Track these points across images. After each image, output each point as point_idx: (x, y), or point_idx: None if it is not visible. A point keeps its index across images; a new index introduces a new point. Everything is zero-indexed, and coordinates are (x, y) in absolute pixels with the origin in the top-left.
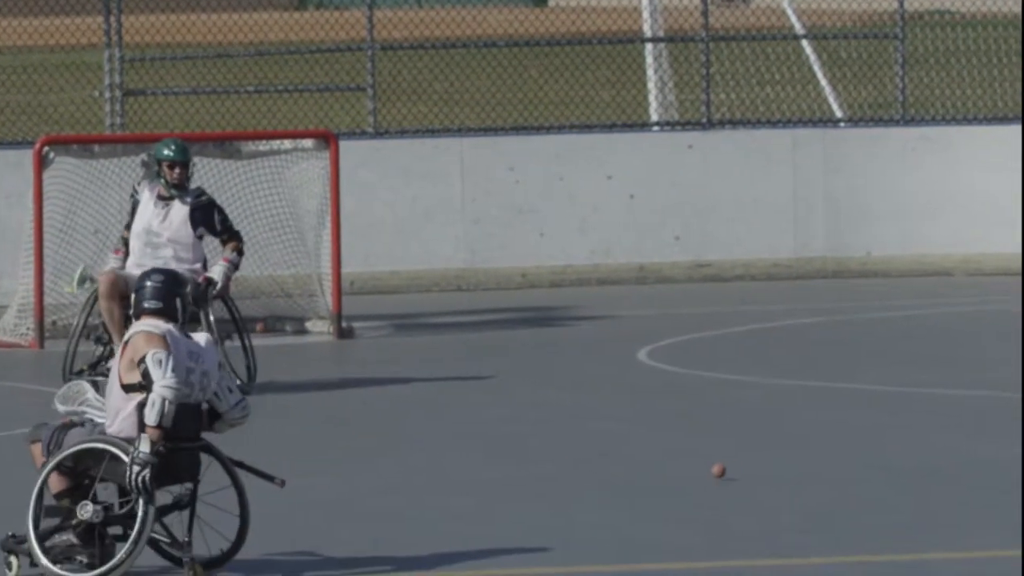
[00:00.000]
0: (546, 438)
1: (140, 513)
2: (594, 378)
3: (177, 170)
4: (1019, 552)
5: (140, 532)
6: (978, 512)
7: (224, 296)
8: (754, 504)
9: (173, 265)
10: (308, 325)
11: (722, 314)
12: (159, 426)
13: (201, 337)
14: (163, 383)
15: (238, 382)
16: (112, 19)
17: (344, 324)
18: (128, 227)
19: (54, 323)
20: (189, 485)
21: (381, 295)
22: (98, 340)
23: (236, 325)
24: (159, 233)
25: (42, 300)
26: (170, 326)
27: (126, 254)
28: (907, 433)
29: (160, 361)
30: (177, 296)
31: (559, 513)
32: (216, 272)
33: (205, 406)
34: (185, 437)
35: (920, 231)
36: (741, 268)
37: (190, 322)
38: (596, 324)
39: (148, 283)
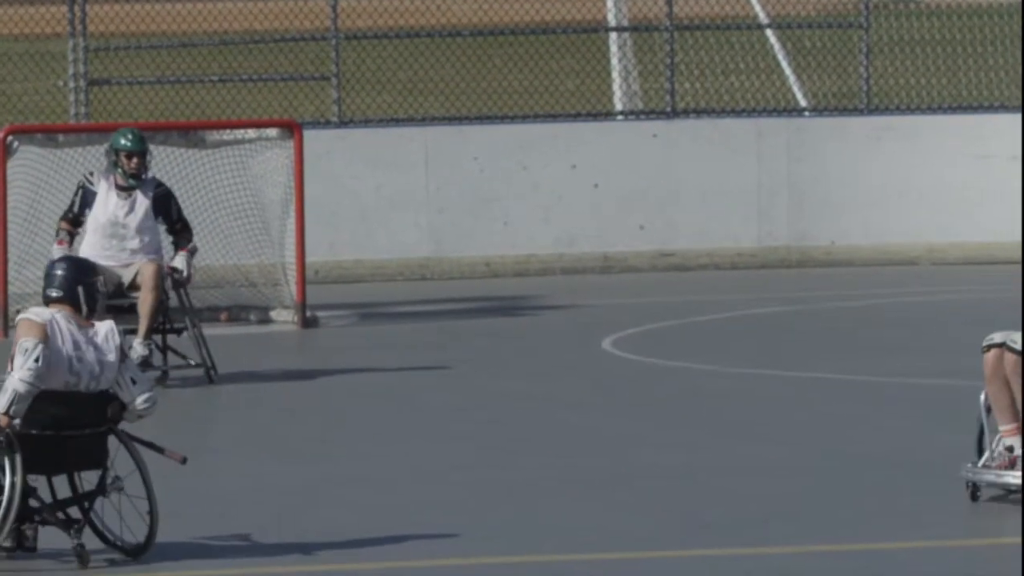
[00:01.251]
0: (511, 427)
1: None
2: (558, 367)
3: (135, 160)
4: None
5: (5, 508)
6: (942, 501)
7: (185, 286)
8: (719, 493)
9: (140, 256)
10: (272, 314)
11: (686, 303)
12: (6, 414)
13: (103, 327)
14: (17, 374)
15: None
16: (76, 8)
17: (308, 313)
18: (69, 218)
19: (18, 311)
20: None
21: (346, 284)
22: None
23: (189, 316)
24: (126, 224)
25: (6, 289)
26: (60, 315)
27: (70, 245)
28: (871, 422)
29: (26, 350)
30: (81, 285)
31: (523, 502)
32: (180, 262)
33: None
34: (78, 425)
35: (884, 220)
36: (705, 257)
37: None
38: (560, 313)
39: (55, 272)
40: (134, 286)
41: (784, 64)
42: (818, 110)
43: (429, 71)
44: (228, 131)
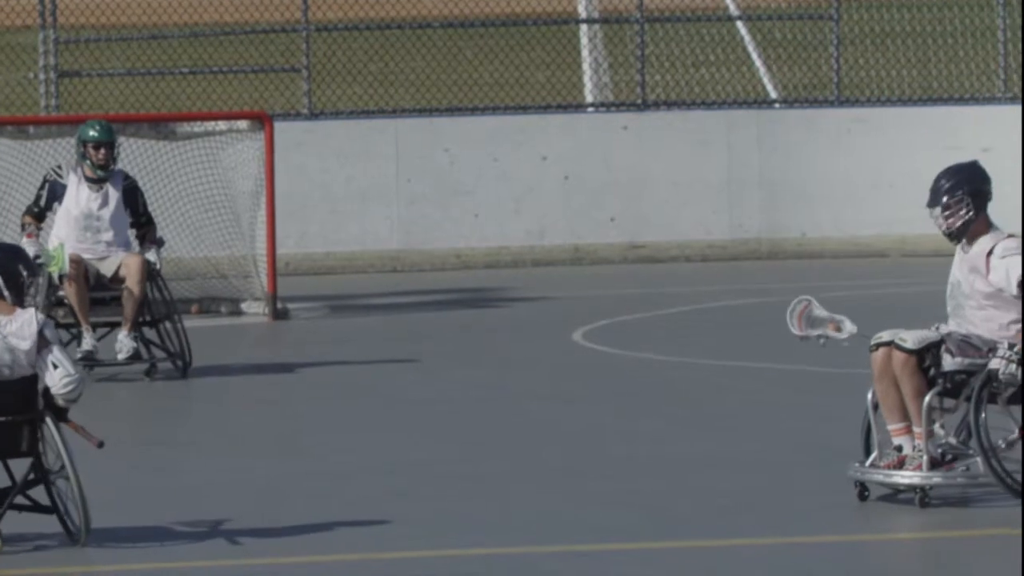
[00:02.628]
0: (481, 419)
1: None
2: (529, 359)
3: (103, 151)
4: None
5: None
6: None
7: (160, 278)
8: (688, 486)
9: (115, 247)
10: (243, 306)
11: (657, 295)
12: None
13: (22, 315)
14: None
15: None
16: (47, 0)
17: (279, 305)
18: (34, 212)
19: None
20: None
21: (316, 276)
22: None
23: (167, 308)
24: (100, 217)
25: None
26: None
27: (37, 238)
28: (842, 414)
29: None
30: (2, 273)
31: (494, 494)
32: (153, 255)
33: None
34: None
35: (855, 212)
36: (676, 249)
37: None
38: (531, 305)
39: None
40: (117, 279)
41: (754, 56)
42: (788, 102)
43: (400, 63)
44: (199, 123)
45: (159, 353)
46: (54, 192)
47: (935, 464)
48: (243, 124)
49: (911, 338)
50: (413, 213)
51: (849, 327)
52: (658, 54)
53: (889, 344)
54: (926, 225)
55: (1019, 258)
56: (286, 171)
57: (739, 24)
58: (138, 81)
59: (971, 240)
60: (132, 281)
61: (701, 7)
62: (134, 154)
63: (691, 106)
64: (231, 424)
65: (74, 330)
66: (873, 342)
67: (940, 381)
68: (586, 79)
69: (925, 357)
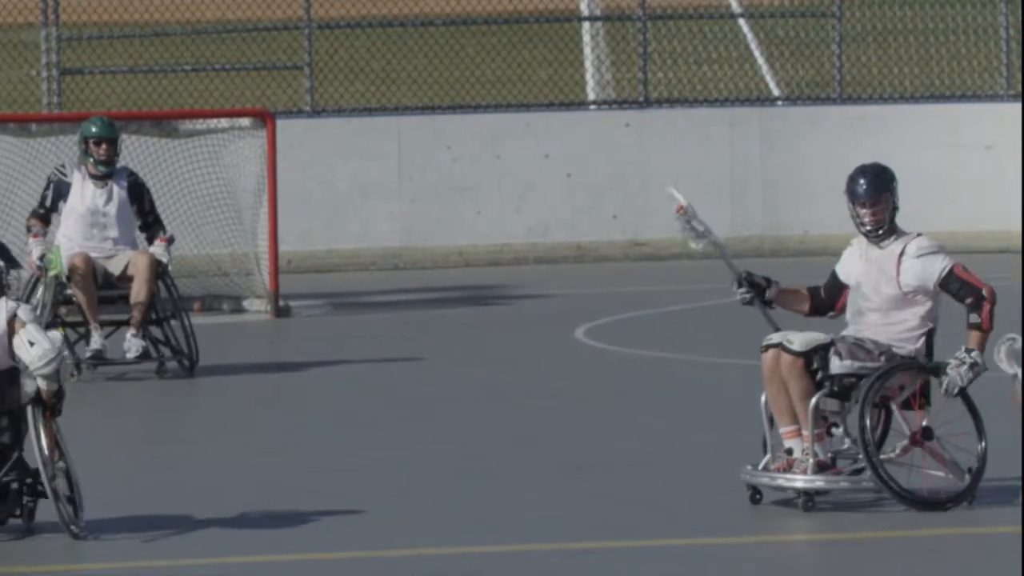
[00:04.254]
0: (483, 416)
1: None
2: (531, 357)
3: (104, 147)
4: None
5: None
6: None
7: (169, 276)
8: (689, 483)
9: (121, 245)
10: (245, 304)
11: (659, 293)
12: None
13: None
14: None
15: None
16: None
17: (281, 303)
18: (40, 214)
19: None
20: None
21: (318, 274)
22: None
23: (175, 305)
24: (106, 213)
25: None
26: None
27: (44, 237)
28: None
29: None
30: None
31: (496, 491)
32: (162, 253)
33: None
34: None
35: None
36: (678, 247)
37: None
38: (533, 303)
39: None
40: (125, 277)
41: (757, 53)
42: (791, 99)
43: (402, 60)
44: (201, 120)
45: (168, 352)
46: (59, 191)
47: (822, 468)
48: (245, 121)
49: (798, 340)
50: (415, 210)
51: (715, 236)
52: (660, 51)
53: (778, 346)
54: (928, 222)
55: (937, 256)
56: (288, 168)
57: (741, 21)
58: (140, 79)
59: (880, 242)
60: (140, 279)
61: (703, 4)
62: (136, 152)
63: (693, 104)
64: (234, 421)
65: (82, 329)
66: (763, 344)
67: (827, 384)
68: (588, 76)
69: (813, 359)
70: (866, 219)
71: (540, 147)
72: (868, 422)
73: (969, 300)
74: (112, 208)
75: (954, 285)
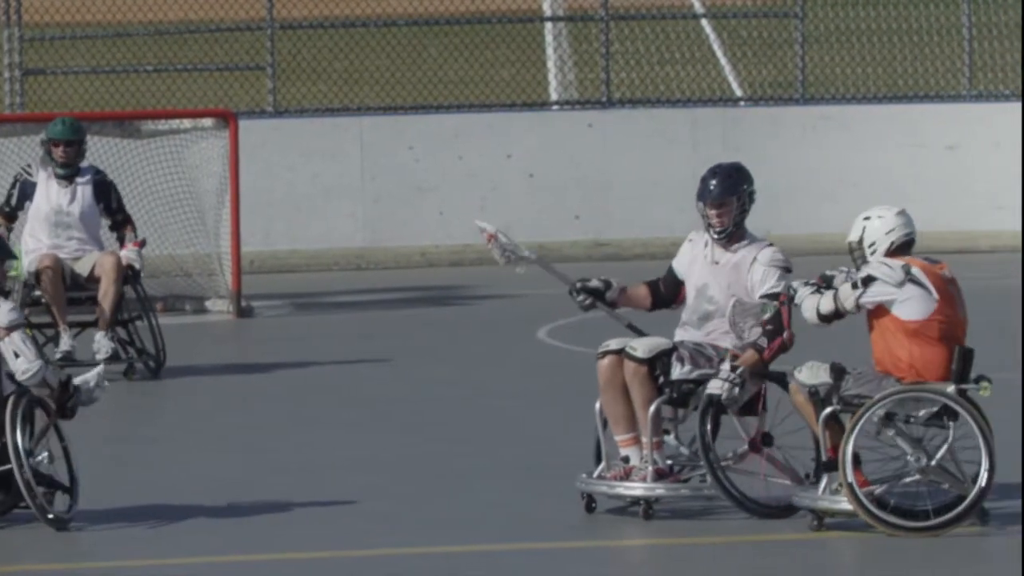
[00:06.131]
0: (445, 417)
1: None
2: (493, 357)
3: (61, 148)
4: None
5: None
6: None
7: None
8: None
9: (87, 246)
10: (208, 304)
11: None
12: None
13: None
14: None
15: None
16: None
17: (244, 303)
18: (5, 212)
19: None
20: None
21: (281, 274)
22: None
23: (143, 305)
24: (70, 213)
25: None
26: None
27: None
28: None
29: None
30: None
31: (457, 492)
32: (135, 258)
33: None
34: None
35: (819, 210)
36: (640, 247)
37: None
38: (496, 303)
39: None
40: (92, 278)
41: (719, 54)
42: (753, 100)
43: (365, 61)
44: (163, 121)
45: (135, 353)
46: (24, 191)
47: (661, 475)
48: (208, 122)
49: (642, 346)
50: (378, 211)
51: (528, 254)
52: (623, 52)
53: (617, 352)
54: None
55: (777, 275)
56: (251, 169)
57: (704, 22)
58: (103, 79)
59: (729, 245)
60: (108, 280)
61: (666, 5)
62: (99, 152)
63: (656, 104)
64: (198, 422)
65: (48, 331)
66: (600, 350)
67: (667, 390)
68: (551, 77)
69: (656, 366)
70: (713, 220)
71: (503, 147)
72: (708, 430)
73: (769, 328)
74: (76, 208)
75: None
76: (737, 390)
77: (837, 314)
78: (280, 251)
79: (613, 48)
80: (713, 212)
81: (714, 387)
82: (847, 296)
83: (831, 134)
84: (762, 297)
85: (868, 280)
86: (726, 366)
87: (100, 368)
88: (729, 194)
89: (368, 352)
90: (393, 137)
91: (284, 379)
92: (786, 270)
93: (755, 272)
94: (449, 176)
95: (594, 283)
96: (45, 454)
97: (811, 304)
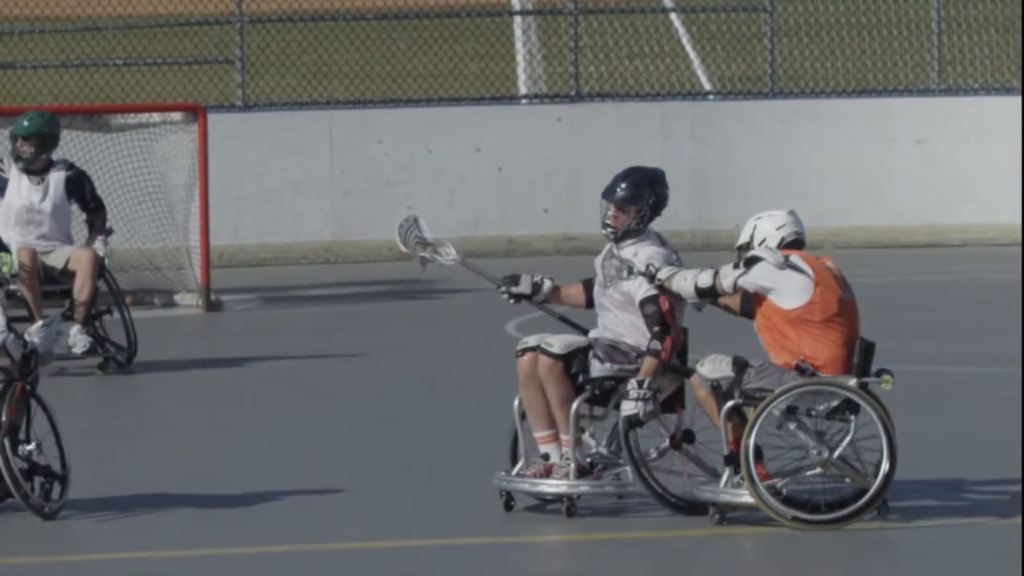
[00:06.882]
0: (414, 410)
1: None
2: (462, 350)
3: (20, 143)
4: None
5: None
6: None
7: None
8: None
9: (55, 241)
10: (177, 298)
11: None
12: None
13: None
14: None
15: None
16: None
17: (213, 297)
18: None
19: None
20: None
21: (250, 268)
22: None
23: (115, 298)
24: (41, 210)
25: None
26: None
27: None
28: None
29: None
30: None
31: (425, 486)
32: (99, 247)
33: None
34: None
35: (788, 204)
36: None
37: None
38: (464, 296)
39: None
40: (67, 272)
41: (689, 48)
42: (723, 94)
43: (333, 55)
44: (132, 115)
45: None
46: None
47: (583, 472)
48: (177, 116)
49: (557, 343)
50: (347, 204)
51: (450, 254)
52: (592, 46)
53: (535, 349)
54: (860, 217)
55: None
56: (220, 163)
57: (673, 16)
58: (72, 73)
59: (621, 243)
60: (84, 274)
61: None
62: (68, 146)
63: (625, 98)
64: (165, 415)
65: (23, 325)
66: (519, 347)
67: (588, 387)
68: (520, 71)
69: (572, 363)
70: (608, 219)
71: (472, 141)
72: (633, 443)
73: (656, 329)
74: (47, 205)
75: (650, 308)
76: (651, 404)
77: (714, 292)
78: (249, 245)
79: (582, 42)
80: (611, 212)
81: (628, 408)
82: (727, 274)
83: (800, 128)
84: (642, 303)
85: (751, 261)
86: (633, 383)
87: (48, 320)
88: (630, 201)
89: (337, 346)
90: (362, 131)
91: (253, 373)
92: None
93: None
94: (418, 170)
95: (522, 287)
96: (34, 444)
97: (689, 275)
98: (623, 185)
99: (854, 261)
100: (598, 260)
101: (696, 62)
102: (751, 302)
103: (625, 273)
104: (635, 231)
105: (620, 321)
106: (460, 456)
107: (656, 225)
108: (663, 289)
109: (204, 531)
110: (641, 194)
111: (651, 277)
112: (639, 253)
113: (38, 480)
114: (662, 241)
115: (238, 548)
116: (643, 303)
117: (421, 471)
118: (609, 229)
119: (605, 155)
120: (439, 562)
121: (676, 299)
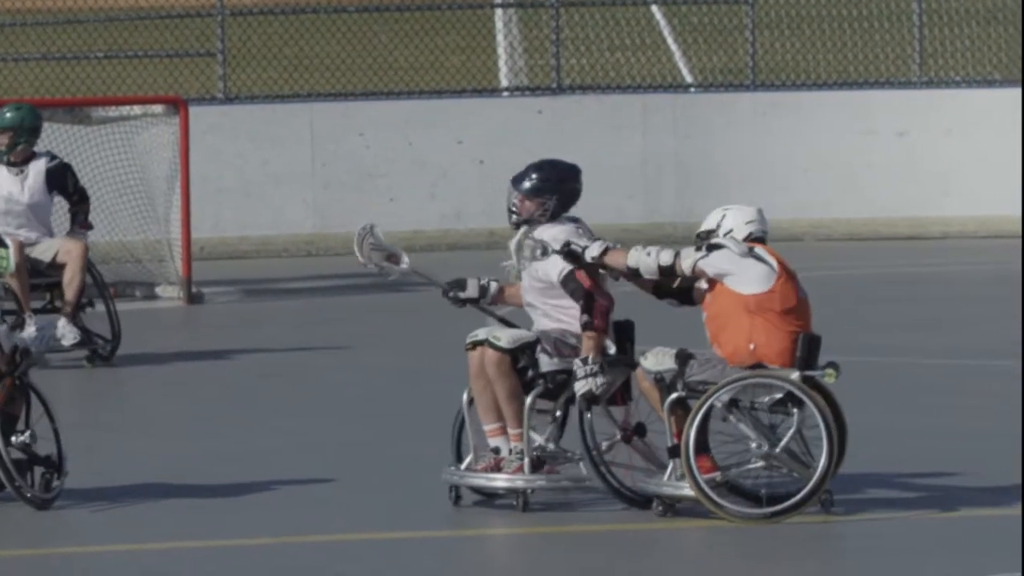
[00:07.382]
0: (396, 403)
1: None
2: (444, 343)
3: (2, 137)
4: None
5: None
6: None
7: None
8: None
9: (34, 233)
10: (158, 290)
11: None
12: None
13: None
14: None
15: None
16: None
17: (194, 289)
18: None
19: None
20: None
21: (231, 260)
22: None
23: (100, 291)
24: (19, 201)
25: None
26: None
27: None
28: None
29: None
30: None
31: (408, 478)
32: (79, 237)
33: None
34: None
35: (770, 196)
36: None
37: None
38: None
39: None
40: (55, 265)
41: (670, 40)
42: (704, 86)
43: (315, 47)
44: (114, 107)
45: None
46: None
47: (536, 466)
48: (158, 108)
49: (505, 337)
50: (328, 197)
51: (404, 261)
52: (573, 38)
53: (483, 343)
54: (841, 209)
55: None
56: (201, 155)
57: (654, 8)
58: (53, 66)
59: (531, 229)
60: (74, 267)
61: None
62: (49, 138)
63: (606, 90)
64: (146, 408)
65: (10, 318)
66: (468, 340)
67: (541, 382)
68: (501, 63)
69: (520, 357)
70: (513, 208)
71: (453, 134)
72: (588, 418)
73: (583, 303)
74: (26, 197)
75: (571, 285)
76: (600, 377)
77: (672, 272)
78: (230, 237)
79: (563, 34)
80: (516, 200)
81: (580, 387)
82: (687, 256)
83: (781, 120)
84: (562, 283)
85: (714, 247)
86: (577, 362)
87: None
88: (535, 193)
89: (317, 338)
90: (343, 123)
91: (234, 365)
92: (566, 244)
93: (547, 261)
94: (399, 162)
95: (469, 291)
96: (27, 433)
97: (652, 251)
98: (532, 176)
99: (835, 254)
100: (512, 243)
101: (677, 54)
102: (693, 289)
103: (539, 252)
104: (539, 221)
105: (557, 311)
106: (444, 448)
107: (636, 216)
108: (585, 264)
109: (189, 523)
110: (546, 188)
111: (574, 256)
112: (546, 234)
113: (39, 470)
114: (576, 222)
115: (221, 540)
116: (563, 283)
117: (404, 463)
118: (514, 216)
119: (586, 147)
120: (421, 554)
121: (597, 272)
